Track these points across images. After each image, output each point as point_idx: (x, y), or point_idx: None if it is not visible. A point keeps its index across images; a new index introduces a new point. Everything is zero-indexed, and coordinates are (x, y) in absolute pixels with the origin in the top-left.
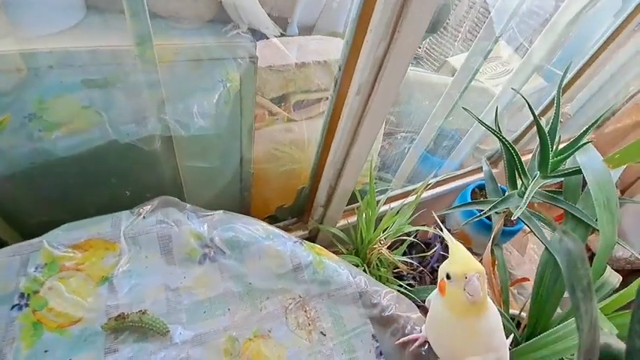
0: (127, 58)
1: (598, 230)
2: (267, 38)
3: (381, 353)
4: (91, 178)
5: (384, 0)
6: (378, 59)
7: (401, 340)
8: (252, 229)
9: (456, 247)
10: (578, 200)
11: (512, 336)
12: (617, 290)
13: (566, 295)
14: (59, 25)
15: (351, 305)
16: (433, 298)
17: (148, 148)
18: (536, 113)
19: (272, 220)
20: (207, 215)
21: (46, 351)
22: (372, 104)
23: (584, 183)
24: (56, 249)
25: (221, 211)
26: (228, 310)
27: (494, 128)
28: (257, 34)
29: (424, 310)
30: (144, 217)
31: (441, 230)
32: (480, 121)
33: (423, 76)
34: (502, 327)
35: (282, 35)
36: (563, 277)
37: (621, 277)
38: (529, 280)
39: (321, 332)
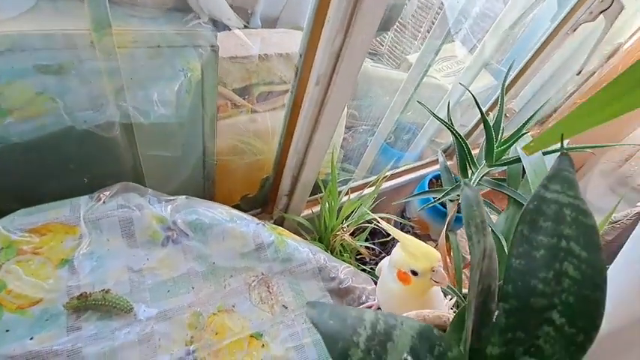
0: (82, 44)
1: None
2: (230, 29)
3: None
4: (47, 165)
5: None
6: (335, 51)
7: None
8: (215, 212)
9: (409, 240)
10: (519, 186)
11: (455, 299)
12: None
13: None
14: (10, 10)
15: (311, 280)
16: (387, 276)
17: (107, 134)
18: (485, 108)
19: (237, 210)
20: (170, 200)
21: (7, 330)
22: (331, 94)
23: (524, 171)
24: (13, 233)
25: (183, 197)
26: (192, 288)
27: (447, 122)
28: (220, 25)
29: None
30: (104, 202)
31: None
32: (434, 115)
33: (382, 71)
34: (440, 290)
35: (245, 27)
36: (504, 255)
37: None
38: None
39: (283, 305)
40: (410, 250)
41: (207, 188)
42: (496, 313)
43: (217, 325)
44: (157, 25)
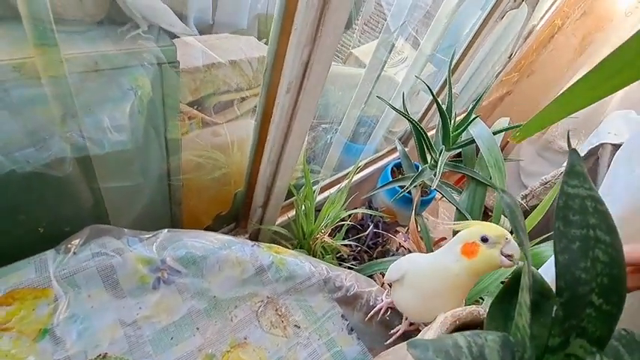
0: (3, 70)
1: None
2: (174, 37)
3: (352, 329)
4: None
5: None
6: (305, 58)
7: (369, 314)
8: (204, 241)
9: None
10: (475, 165)
11: None
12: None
13: None
14: None
15: (318, 294)
16: (446, 257)
17: (58, 173)
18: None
19: (209, 230)
20: (151, 237)
21: None
22: (302, 99)
23: (477, 150)
24: None
25: (165, 230)
26: (197, 329)
27: (404, 112)
28: (163, 35)
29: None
30: (74, 252)
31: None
32: (393, 107)
33: (336, 68)
34: None
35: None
36: None
37: None
38: (446, 238)
39: (295, 325)
40: (480, 225)
41: (175, 214)
42: (554, 308)
43: None
44: (89, 40)
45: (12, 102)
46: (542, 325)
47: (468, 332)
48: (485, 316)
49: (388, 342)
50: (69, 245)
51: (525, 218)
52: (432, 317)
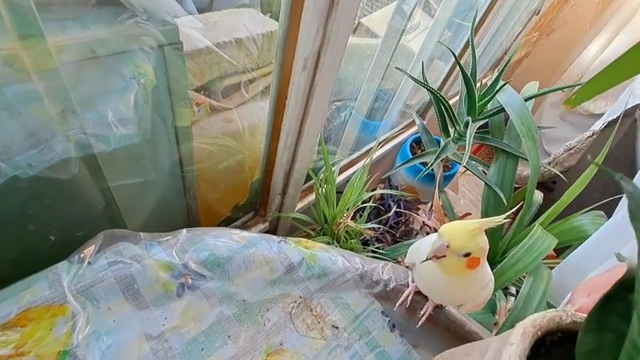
0: None
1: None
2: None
3: (394, 326)
4: None
5: None
6: (322, 28)
7: (399, 302)
8: (227, 240)
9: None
10: (503, 137)
11: None
12: (542, 205)
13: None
14: None
15: (354, 290)
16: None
17: (64, 176)
18: (450, 64)
19: (227, 221)
20: (169, 239)
21: None
22: (320, 76)
23: (506, 120)
24: None
25: (183, 230)
26: (229, 337)
27: (424, 82)
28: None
29: None
30: (89, 262)
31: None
32: (414, 79)
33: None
34: (489, 268)
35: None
36: (503, 207)
37: (542, 194)
38: (471, 214)
39: (333, 326)
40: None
41: (191, 207)
42: None
43: None
44: (83, 26)
45: (7, 101)
46: None
47: None
48: (568, 321)
49: (418, 325)
50: (82, 255)
51: (553, 191)
52: (450, 301)
